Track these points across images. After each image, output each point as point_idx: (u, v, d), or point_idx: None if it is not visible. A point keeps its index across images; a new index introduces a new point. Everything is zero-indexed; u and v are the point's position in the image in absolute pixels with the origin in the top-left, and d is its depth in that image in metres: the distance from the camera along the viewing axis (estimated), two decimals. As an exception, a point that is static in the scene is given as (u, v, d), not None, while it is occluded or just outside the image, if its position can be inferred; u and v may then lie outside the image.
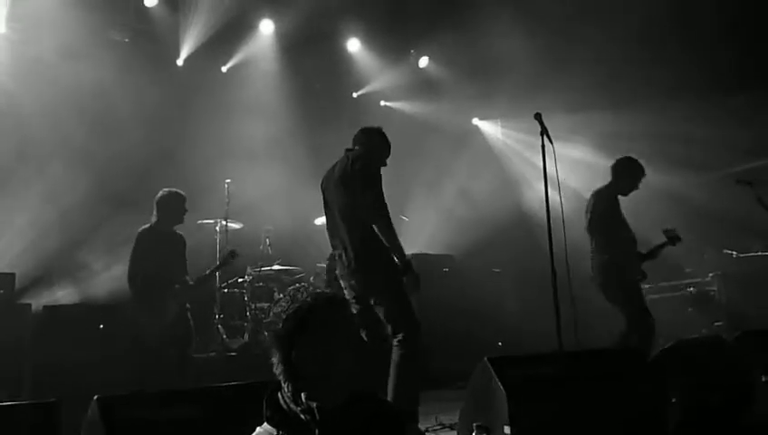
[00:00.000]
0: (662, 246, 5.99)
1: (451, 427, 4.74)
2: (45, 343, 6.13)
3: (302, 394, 1.96)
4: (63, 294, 7.18)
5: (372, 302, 4.45)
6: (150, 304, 5.61)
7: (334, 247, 4.69)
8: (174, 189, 5.87)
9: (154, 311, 5.60)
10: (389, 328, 4.38)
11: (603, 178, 9.10)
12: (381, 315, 4.40)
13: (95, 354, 6.14)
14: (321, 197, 4.82)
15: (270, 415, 1.96)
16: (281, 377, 2.00)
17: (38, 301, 6.77)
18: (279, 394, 2.00)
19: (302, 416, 1.94)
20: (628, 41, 8.61)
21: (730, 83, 8.45)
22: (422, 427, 4.61)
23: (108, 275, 7.29)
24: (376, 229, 4.36)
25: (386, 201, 4.38)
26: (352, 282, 4.50)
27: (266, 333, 7.32)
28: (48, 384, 5.47)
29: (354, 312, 4.57)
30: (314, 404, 1.94)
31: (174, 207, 5.82)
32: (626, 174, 5.94)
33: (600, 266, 5.71)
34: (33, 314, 6.43)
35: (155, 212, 5.82)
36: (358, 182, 4.42)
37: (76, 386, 5.42)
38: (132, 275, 5.66)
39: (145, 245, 5.72)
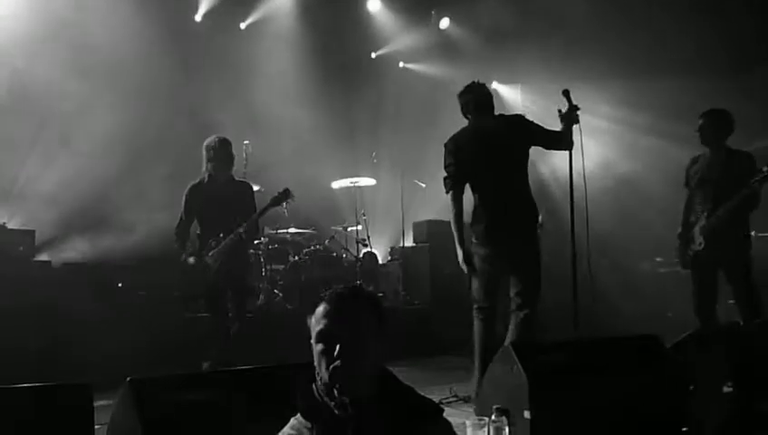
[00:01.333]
0: None
1: (465, 399, 4.81)
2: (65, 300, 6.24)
3: (335, 388, 1.98)
4: (83, 250, 7.26)
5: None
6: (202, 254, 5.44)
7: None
8: (220, 136, 5.65)
9: (204, 263, 5.42)
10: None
11: (621, 148, 9.08)
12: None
13: (113, 312, 6.27)
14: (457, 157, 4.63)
15: (304, 408, 1.99)
16: (316, 367, 2.02)
17: (58, 257, 6.88)
18: (313, 386, 2.02)
19: (336, 411, 1.96)
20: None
21: (749, 59, 8.26)
22: (436, 398, 4.67)
23: (131, 232, 7.38)
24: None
25: None
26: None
27: (280, 295, 7.41)
28: (65, 344, 5.55)
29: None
30: (347, 399, 1.96)
31: (221, 154, 5.55)
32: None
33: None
34: (53, 269, 6.55)
35: (204, 160, 5.59)
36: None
37: (97, 345, 5.59)
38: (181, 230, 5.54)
39: (194, 196, 5.55)
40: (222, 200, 5.53)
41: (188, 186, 5.63)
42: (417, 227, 8.75)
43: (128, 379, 2.31)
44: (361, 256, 8.63)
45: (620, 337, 3.44)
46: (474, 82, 4.79)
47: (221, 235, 5.44)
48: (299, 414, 2.00)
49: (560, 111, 4.55)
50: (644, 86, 8.97)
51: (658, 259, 8.48)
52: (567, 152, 4.63)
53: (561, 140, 4.54)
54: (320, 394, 2.01)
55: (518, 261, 4.53)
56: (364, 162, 8.71)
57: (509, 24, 9.33)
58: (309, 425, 1.96)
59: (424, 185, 8.77)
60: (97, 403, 2.49)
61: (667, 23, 8.57)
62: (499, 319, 4.63)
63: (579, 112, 4.61)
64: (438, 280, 8.27)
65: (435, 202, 8.85)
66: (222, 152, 5.56)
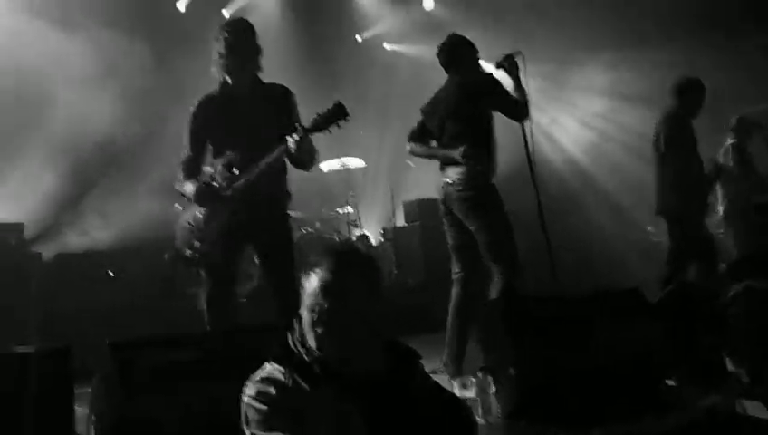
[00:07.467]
0: None
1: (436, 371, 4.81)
2: (56, 292, 6.26)
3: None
4: (73, 243, 7.25)
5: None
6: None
7: None
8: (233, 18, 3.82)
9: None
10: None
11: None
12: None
13: (104, 301, 6.28)
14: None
15: (278, 354, 2.00)
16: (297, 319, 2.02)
17: (48, 249, 6.87)
18: (289, 335, 2.04)
19: (306, 357, 1.97)
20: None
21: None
22: (428, 369, 4.65)
23: (118, 223, 7.37)
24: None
25: None
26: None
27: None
28: (59, 333, 5.55)
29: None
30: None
31: (236, 43, 3.71)
32: (692, 94, 5.56)
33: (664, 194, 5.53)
34: (43, 262, 6.54)
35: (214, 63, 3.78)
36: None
37: (86, 333, 5.57)
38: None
39: (204, 114, 3.84)
40: (247, 113, 3.74)
41: (195, 102, 3.86)
42: (407, 206, 8.73)
43: (107, 341, 2.32)
44: (354, 238, 8.63)
45: (603, 291, 3.45)
46: (443, 42, 4.68)
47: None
48: (272, 360, 2.01)
49: (499, 62, 4.46)
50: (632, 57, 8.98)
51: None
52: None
53: (516, 106, 4.37)
54: (294, 343, 2.02)
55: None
56: (351, 141, 8.68)
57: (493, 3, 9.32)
58: (282, 370, 1.97)
59: (413, 165, 8.76)
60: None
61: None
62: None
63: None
64: (431, 259, 8.25)
65: (424, 181, 8.85)
66: (237, 41, 3.69)
